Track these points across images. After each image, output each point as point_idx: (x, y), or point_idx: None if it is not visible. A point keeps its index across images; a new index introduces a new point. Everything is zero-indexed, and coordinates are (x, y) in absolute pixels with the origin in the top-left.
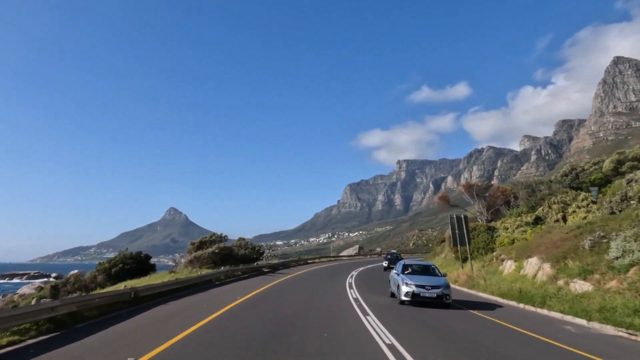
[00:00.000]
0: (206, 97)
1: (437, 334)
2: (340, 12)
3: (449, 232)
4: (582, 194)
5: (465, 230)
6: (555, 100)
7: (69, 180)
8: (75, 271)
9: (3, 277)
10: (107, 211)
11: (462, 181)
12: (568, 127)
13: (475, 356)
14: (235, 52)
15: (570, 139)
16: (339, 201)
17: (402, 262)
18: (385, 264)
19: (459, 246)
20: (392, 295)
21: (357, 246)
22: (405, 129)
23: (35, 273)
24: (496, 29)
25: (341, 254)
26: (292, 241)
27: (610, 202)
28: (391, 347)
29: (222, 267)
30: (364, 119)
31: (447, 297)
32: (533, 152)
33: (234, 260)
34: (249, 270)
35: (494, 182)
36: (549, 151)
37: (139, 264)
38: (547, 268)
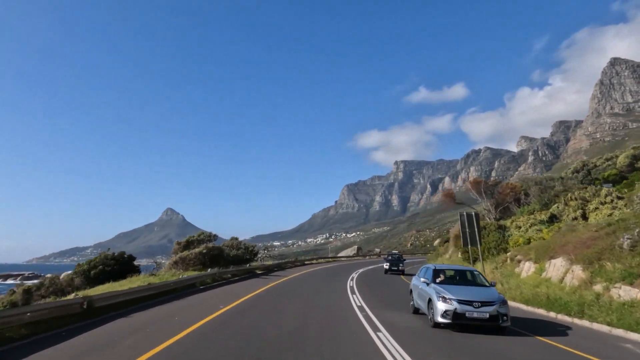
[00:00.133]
0: (204, 98)
1: None
2: (337, 13)
3: (454, 231)
4: (604, 189)
5: (476, 229)
6: (552, 101)
7: (66, 180)
8: (69, 272)
9: None
10: (104, 212)
11: (460, 182)
12: (565, 128)
13: None
14: (232, 54)
15: (567, 140)
16: (336, 202)
17: (429, 266)
18: (386, 266)
19: (469, 246)
20: (416, 311)
21: (355, 247)
22: (402, 130)
23: (29, 274)
24: (493, 31)
25: (339, 255)
26: (289, 242)
27: None
28: None
29: (209, 270)
30: (361, 119)
31: (505, 318)
32: (530, 153)
33: (224, 262)
34: (240, 272)
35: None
36: (546, 152)
37: (122, 266)
38: (578, 271)
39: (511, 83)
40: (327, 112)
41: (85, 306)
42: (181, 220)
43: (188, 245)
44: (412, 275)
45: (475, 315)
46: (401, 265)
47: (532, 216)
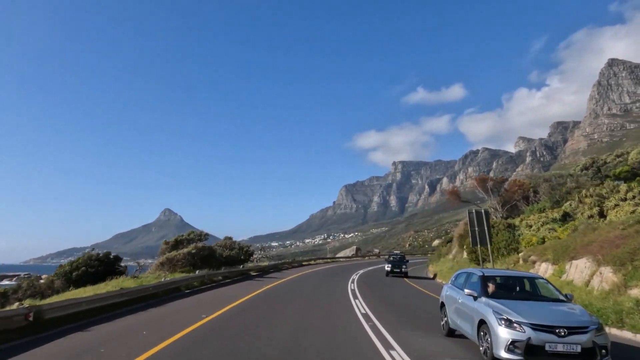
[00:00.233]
0: (203, 98)
1: None
2: (336, 14)
3: (459, 231)
4: (623, 185)
5: (486, 227)
6: (550, 102)
7: (64, 181)
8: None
9: None
10: (101, 212)
11: (458, 182)
12: (563, 128)
13: None
14: (230, 55)
15: (565, 141)
16: (334, 202)
17: (472, 271)
18: (387, 267)
19: (478, 246)
20: (451, 332)
21: (354, 247)
22: (400, 131)
23: (25, 275)
24: (491, 31)
25: (338, 256)
26: (287, 242)
27: None
28: None
29: (198, 271)
30: (359, 120)
31: (604, 352)
32: (528, 154)
33: (217, 263)
34: (232, 274)
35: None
36: (544, 153)
37: (107, 267)
38: (608, 273)
39: (509, 84)
40: (325, 113)
41: (31, 318)
42: (179, 220)
43: (177, 245)
44: (416, 278)
45: (560, 349)
46: (404, 267)
47: (543, 214)
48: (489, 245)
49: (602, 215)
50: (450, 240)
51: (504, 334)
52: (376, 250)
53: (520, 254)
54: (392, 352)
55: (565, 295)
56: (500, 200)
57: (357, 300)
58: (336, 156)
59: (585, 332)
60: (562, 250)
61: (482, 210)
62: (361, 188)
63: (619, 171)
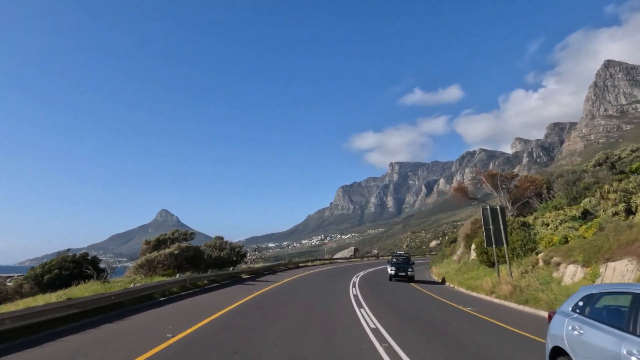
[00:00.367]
0: (199, 100)
1: None
2: (334, 16)
3: (465, 230)
4: None
5: (502, 225)
6: (547, 103)
7: (61, 182)
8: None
9: None
10: (98, 213)
11: (455, 183)
12: (559, 130)
13: None
14: (228, 57)
15: (562, 142)
16: (331, 203)
17: (618, 288)
18: (391, 271)
19: (493, 245)
20: None
21: (352, 248)
22: (397, 132)
23: (18, 276)
24: (488, 33)
25: (336, 257)
26: (284, 243)
27: None
28: None
29: (178, 275)
30: (356, 121)
31: None
32: (525, 155)
33: (205, 265)
34: (220, 277)
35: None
36: (541, 154)
37: (83, 269)
38: None
39: (506, 85)
40: (322, 114)
41: None
42: (176, 221)
43: (159, 245)
44: (424, 283)
45: None
46: (410, 270)
47: (560, 212)
48: (505, 245)
49: (629, 212)
50: (454, 241)
51: None
52: (375, 251)
53: (539, 255)
54: None
55: None
56: (510, 197)
57: (362, 310)
58: (333, 157)
59: None
60: (593, 251)
61: (498, 207)
62: (358, 189)
63: (635, 166)
